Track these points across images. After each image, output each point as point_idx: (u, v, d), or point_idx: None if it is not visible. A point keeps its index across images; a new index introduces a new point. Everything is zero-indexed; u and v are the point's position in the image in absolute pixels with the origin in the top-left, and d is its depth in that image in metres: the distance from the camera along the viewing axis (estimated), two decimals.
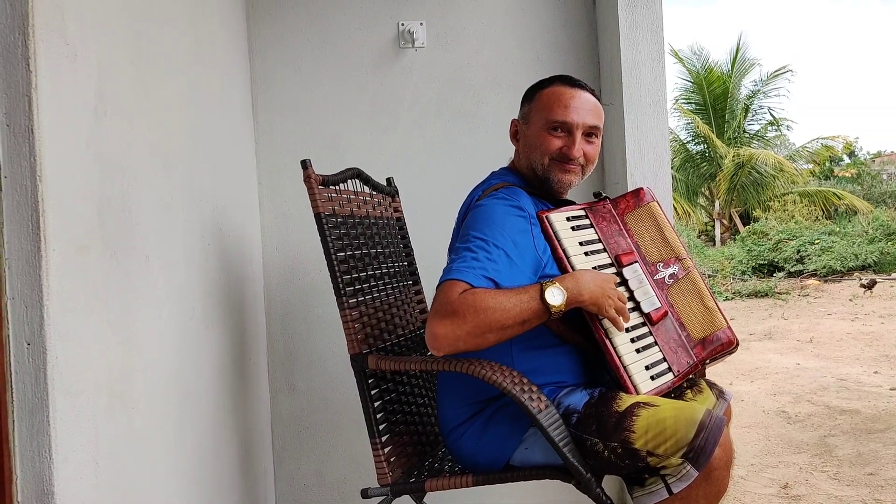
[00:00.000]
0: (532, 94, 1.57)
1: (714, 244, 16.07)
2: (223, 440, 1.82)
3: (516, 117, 1.61)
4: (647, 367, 1.42)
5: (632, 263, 1.51)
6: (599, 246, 1.51)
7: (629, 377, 1.40)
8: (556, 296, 1.30)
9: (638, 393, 1.39)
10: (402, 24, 2.27)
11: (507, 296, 1.28)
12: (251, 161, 2.25)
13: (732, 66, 16.64)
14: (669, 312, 1.51)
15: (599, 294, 1.36)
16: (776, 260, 12.16)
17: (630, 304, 1.47)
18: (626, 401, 1.36)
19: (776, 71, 16.76)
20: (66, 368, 1.12)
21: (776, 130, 17.76)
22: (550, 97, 1.52)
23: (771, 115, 17.20)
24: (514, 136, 1.60)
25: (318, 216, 1.58)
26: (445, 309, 1.26)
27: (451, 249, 1.53)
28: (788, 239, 12.48)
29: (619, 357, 1.40)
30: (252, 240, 2.19)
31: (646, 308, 1.48)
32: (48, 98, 1.10)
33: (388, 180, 2.00)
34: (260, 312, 2.24)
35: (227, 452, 1.85)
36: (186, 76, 1.72)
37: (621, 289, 1.48)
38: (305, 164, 1.59)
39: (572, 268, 1.43)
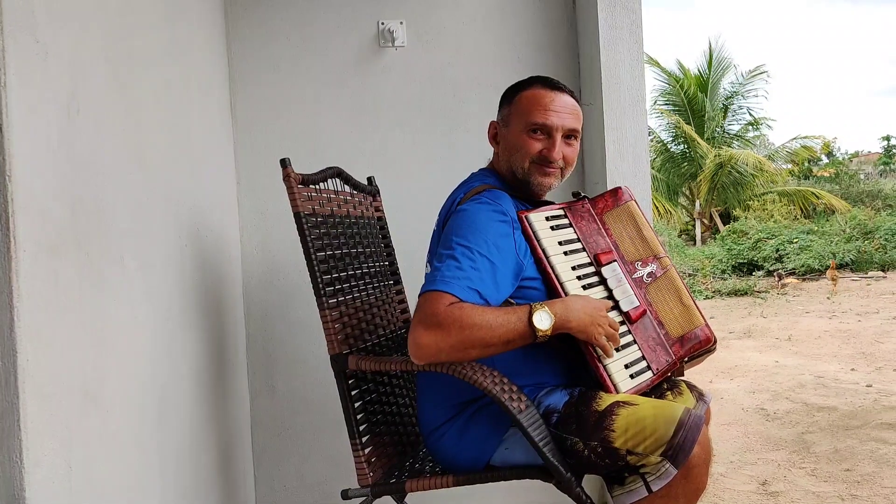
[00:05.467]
0: (511, 96, 1.56)
1: (695, 243, 16.22)
2: (202, 443, 1.80)
3: (495, 119, 1.61)
4: (626, 366, 1.43)
5: (610, 262, 1.52)
6: (578, 245, 1.52)
7: (609, 376, 1.40)
8: (543, 320, 1.31)
9: (617, 391, 1.39)
10: (383, 24, 2.26)
11: (494, 314, 1.28)
12: (230, 160, 2.23)
13: (709, 67, 16.81)
14: (648, 311, 1.52)
15: (588, 322, 1.36)
16: (755, 259, 12.29)
17: (619, 340, 1.46)
18: (605, 400, 1.36)
19: (752, 71, 16.97)
20: (37, 370, 1.10)
21: (756, 130, 17.98)
22: (530, 100, 1.51)
23: (750, 114, 17.40)
24: (494, 138, 1.60)
25: (297, 216, 1.57)
26: (431, 320, 1.26)
27: (433, 253, 1.52)
28: (767, 238, 12.61)
29: (599, 356, 1.40)
30: (231, 240, 2.17)
31: (624, 307, 1.48)
32: (17, 96, 1.08)
33: (369, 179, 1.99)
34: (239, 313, 2.22)
35: (205, 455, 1.83)
36: (163, 75, 1.70)
37: (600, 288, 1.49)
38: (284, 163, 1.58)
39: (552, 267, 1.44)
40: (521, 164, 1.52)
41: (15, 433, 1.06)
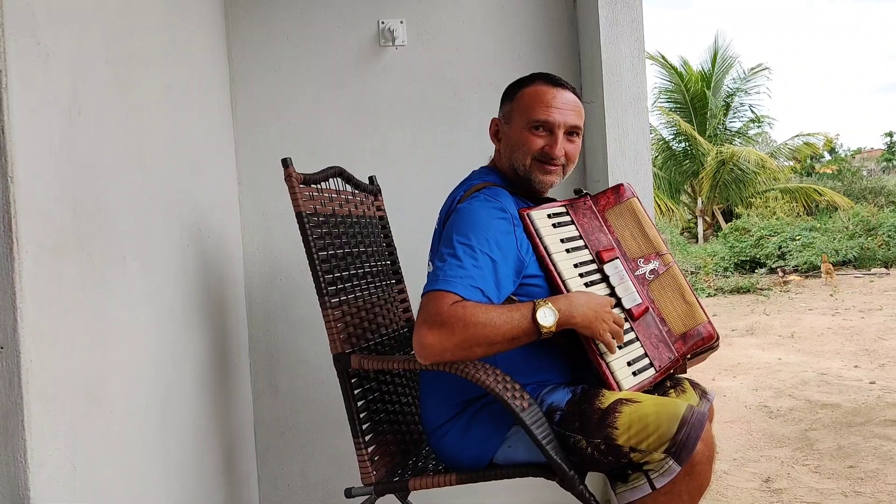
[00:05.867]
0: (513, 93, 1.56)
1: (697, 241, 16.20)
2: (205, 442, 1.81)
3: (497, 116, 1.61)
4: (629, 363, 1.43)
5: (613, 259, 1.52)
6: (581, 242, 1.52)
7: (611, 373, 1.40)
8: (547, 316, 1.31)
9: (620, 389, 1.40)
10: (383, 23, 2.26)
11: (498, 312, 1.28)
12: (231, 160, 2.23)
13: (713, 63, 16.77)
14: (650, 308, 1.52)
15: (593, 318, 1.36)
16: (758, 256, 12.27)
17: (623, 336, 1.46)
18: (608, 397, 1.36)
19: (753, 69, 16.93)
20: (40, 371, 1.10)
21: (758, 127, 17.94)
22: (532, 96, 1.51)
23: (752, 112, 17.37)
24: (496, 135, 1.60)
25: (299, 215, 1.57)
26: (434, 319, 1.26)
27: (434, 251, 1.52)
28: (770, 235, 12.59)
29: (601, 353, 1.40)
30: (233, 240, 2.17)
31: (627, 304, 1.48)
32: (19, 98, 1.08)
33: (371, 179, 1.99)
34: (241, 313, 2.22)
35: (209, 455, 1.83)
36: (163, 75, 1.70)
37: (602, 285, 1.49)
38: (286, 163, 1.58)
39: (554, 264, 1.44)
40: (522, 160, 1.51)
41: (19, 433, 1.06)
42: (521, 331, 1.30)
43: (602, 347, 1.40)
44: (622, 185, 1.63)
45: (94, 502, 1.24)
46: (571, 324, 1.34)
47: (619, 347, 1.43)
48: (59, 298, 1.17)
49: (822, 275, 10.36)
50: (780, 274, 11.17)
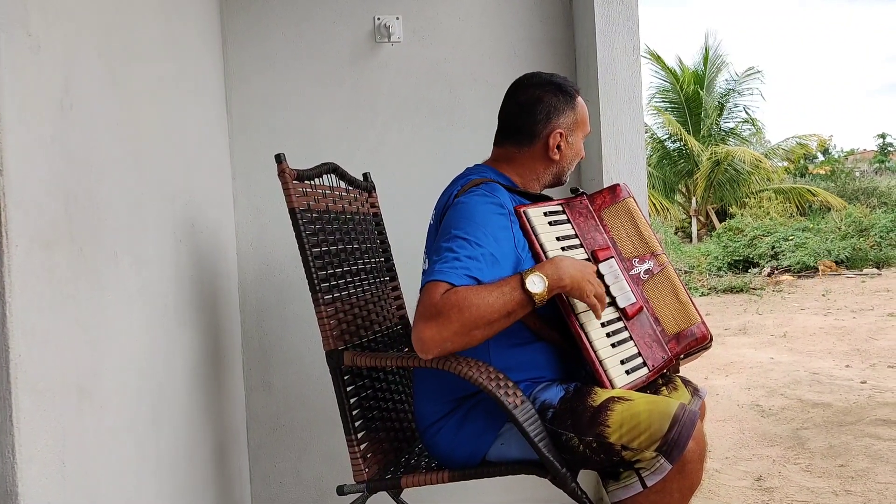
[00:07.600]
0: (571, 103, 1.56)
1: (691, 240, 16.23)
2: (197, 439, 1.80)
3: (560, 129, 1.55)
4: (622, 362, 1.43)
5: (608, 259, 1.52)
6: (576, 241, 1.52)
7: (604, 371, 1.40)
8: (536, 283, 1.31)
9: (613, 387, 1.40)
10: (379, 19, 2.25)
11: (488, 290, 1.28)
12: (225, 156, 2.22)
13: (705, 63, 16.81)
14: (644, 307, 1.52)
15: (580, 278, 1.36)
16: (751, 256, 12.30)
17: (606, 300, 1.47)
18: (601, 395, 1.36)
19: (746, 72, 16.98)
20: (30, 366, 1.09)
21: (751, 127, 17.99)
22: (583, 111, 1.60)
23: (746, 112, 17.41)
24: (556, 148, 1.56)
25: (292, 211, 1.56)
26: (430, 311, 1.25)
27: (430, 247, 1.52)
28: (763, 235, 12.62)
29: (595, 351, 1.40)
30: (226, 236, 2.16)
31: (621, 303, 1.48)
32: (10, 90, 1.07)
33: (365, 175, 1.98)
34: (235, 309, 2.21)
35: (201, 451, 1.82)
36: (157, 70, 1.69)
37: None
38: (279, 159, 1.57)
39: None
40: (570, 169, 1.62)
41: (7, 429, 1.05)
42: (515, 303, 1.29)
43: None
44: (618, 184, 1.63)
45: (83, 499, 1.23)
46: (561, 287, 1.34)
47: (609, 336, 1.42)
48: (50, 293, 1.16)
49: (819, 268, 10.84)
50: (775, 273, 11.31)
